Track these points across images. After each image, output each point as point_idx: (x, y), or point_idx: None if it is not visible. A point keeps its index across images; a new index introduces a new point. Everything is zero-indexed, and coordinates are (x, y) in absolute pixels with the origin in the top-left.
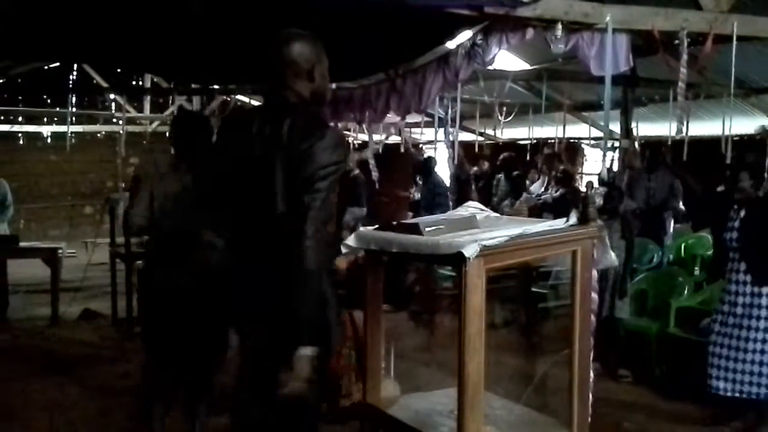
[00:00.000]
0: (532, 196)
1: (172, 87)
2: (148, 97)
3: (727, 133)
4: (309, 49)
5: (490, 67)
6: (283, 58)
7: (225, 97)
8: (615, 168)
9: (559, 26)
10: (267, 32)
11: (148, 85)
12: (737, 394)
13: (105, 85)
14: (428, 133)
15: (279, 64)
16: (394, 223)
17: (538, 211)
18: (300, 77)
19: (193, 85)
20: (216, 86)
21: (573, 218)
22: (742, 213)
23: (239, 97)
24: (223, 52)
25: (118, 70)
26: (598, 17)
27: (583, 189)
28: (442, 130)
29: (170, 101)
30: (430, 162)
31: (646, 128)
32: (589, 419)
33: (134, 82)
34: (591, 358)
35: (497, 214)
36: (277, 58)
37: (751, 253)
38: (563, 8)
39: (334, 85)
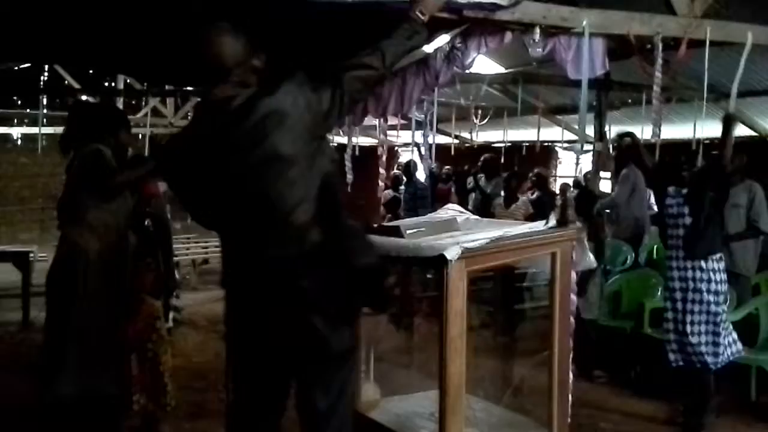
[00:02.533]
0: (525, 199)
1: (145, 88)
2: (121, 99)
3: (698, 136)
4: (245, 40)
5: (467, 71)
6: (226, 51)
7: (199, 99)
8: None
9: (537, 30)
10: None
11: (121, 86)
12: (688, 364)
13: (77, 86)
14: (404, 136)
15: (223, 58)
16: (375, 225)
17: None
18: (244, 68)
19: (167, 86)
20: (190, 87)
21: (552, 221)
22: (683, 191)
23: (196, 99)
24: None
25: (90, 71)
26: (576, 21)
27: (557, 192)
28: (419, 132)
29: (143, 103)
30: (410, 165)
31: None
32: (569, 420)
33: (107, 84)
34: (570, 360)
35: (477, 217)
36: (220, 52)
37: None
38: (541, 12)
39: None
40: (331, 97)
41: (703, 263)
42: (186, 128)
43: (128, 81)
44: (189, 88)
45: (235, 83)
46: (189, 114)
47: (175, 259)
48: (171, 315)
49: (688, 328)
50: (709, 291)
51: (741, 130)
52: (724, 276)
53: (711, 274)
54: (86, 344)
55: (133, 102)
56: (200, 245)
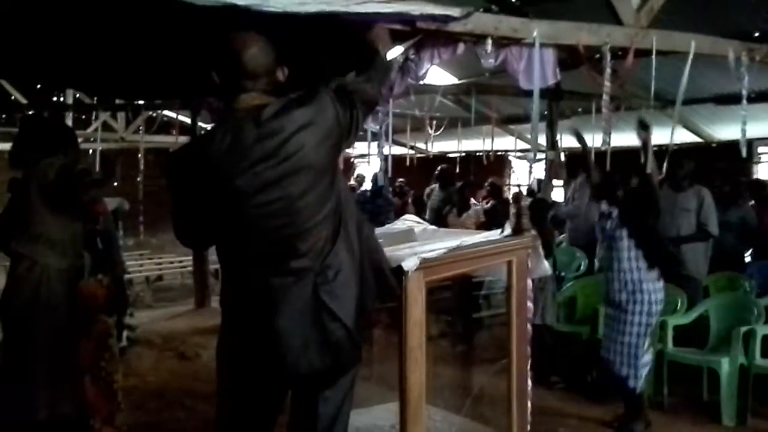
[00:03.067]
0: (479, 208)
1: (95, 103)
2: (71, 114)
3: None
4: (270, 49)
5: (421, 82)
6: (251, 61)
7: (151, 113)
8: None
9: (489, 41)
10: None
11: (70, 101)
12: (615, 370)
13: (24, 101)
14: (360, 147)
15: (247, 67)
16: None
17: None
18: (267, 78)
19: (117, 101)
20: (141, 101)
21: (508, 229)
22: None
23: (166, 112)
24: (149, 67)
25: (38, 86)
26: (526, 32)
27: (511, 200)
28: (374, 143)
29: (93, 117)
30: (375, 177)
31: (570, 140)
32: (528, 427)
33: (55, 99)
34: (528, 367)
35: (434, 227)
36: (244, 62)
37: (644, 244)
38: (493, 23)
39: None
40: (351, 114)
41: (640, 279)
42: (208, 136)
43: (77, 96)
44: (140, 102)
45: (260, 91)
46: (140, 128)
47: (129, 276)
48: (125, 334)
49: (612, 349)
50: (642, 313)
51: (687, 137)
52: (660, 296)
53: (648, 298)
54: (53, 366)
55: (83, 117)
56: (154, 262)
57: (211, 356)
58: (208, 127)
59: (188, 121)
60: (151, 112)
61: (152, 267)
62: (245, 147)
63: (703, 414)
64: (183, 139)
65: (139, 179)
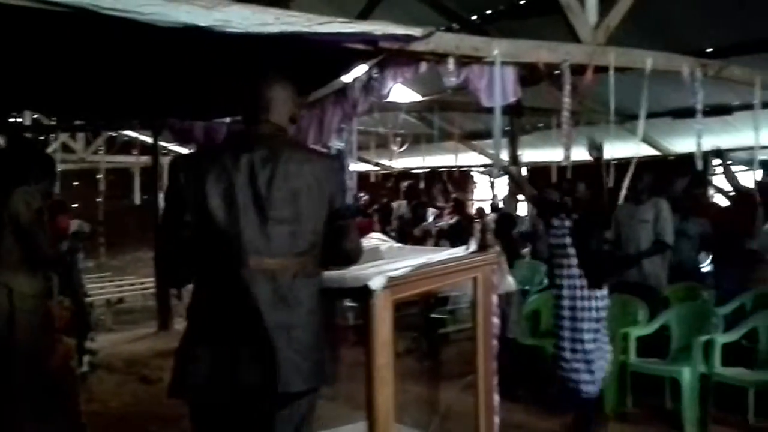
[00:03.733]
0: (428, 223)
1: (54, 123)
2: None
3: (606, 157)
4: (295, 95)
5: (385, 100)
6: (273, 96)
7: (112, 133)
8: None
9: (451, 60)
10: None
11: (28, 122)
12: (572, 385)
13: None
14: None
15: (269, 102)
16: None
17: (434, 237)
18: (285, 116)
19: (76, 122)
20: (102, 122)
21: (473, 245)
22: (567, 222)
23: (127, 132)
24: (108, 87)
25: None
26: (487, 51)
27: (474, 215)
28: None
29: (52, 139)
30: None
31: (532, 154)
32: None
33: (13, 120)
34: (496, 382)
35: (400, 244)
36: (268, 97)
37: (583, 259)
38: (454, 42)
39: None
40: (336, 212)
41: (587, 295)
42: (219, 147)
43: (35, 117)
44: (100, 123)
45: (276, 126)
46: (100, 148)
47: (89, 299)
48: (86, 358)
49: (579, 356)
50: (591, 320)
51: (645, 150)
52: (605, 302)
53: (595, 305)
54: (35, 393)
55: (41, 138)
56: (115, 284)
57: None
58: (171, 147)
59: (150, 140)
60: (111, 133)
61: (113, 289)
62: (247, 167)
63: (665, 423)
64: (144, 159)
65: (99, 200)
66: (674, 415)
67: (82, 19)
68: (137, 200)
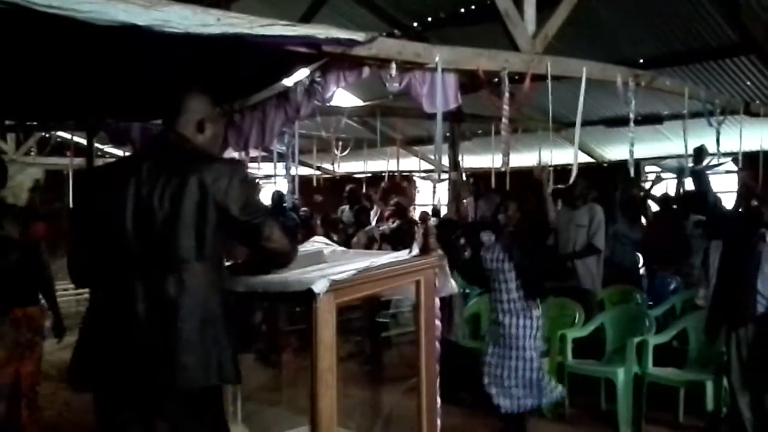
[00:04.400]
0: (371, 227)
1: None
2: None
3: (545, 162)
4: (203, 103)
5: (327, 104)
6: (179, 104)
7: (44, 134)
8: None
9: (393, 65)
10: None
11: None
12: (517, 410)
13: None
14: (266, 168)
15: (175, 109)
16: (239, 261)
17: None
18: (192, 126)
19: (7, 122)
20: (34, 122)
21: (415, 249)
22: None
23: (60, 133)
24: (41, 85)
25: None
26: (429, 57)
27: (417, 220)
28: (280, 164)
29: None
30: (279, 196)
31: (471, 160)
32: None
33: None
34: (438, 385)
35: (343, 248)
36: (174, 103)
37: (523, 271)
38: (396, 48)
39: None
40: (235, 217)
41: (528, 315)
42: (126, 159)
43: None
44: (32, 123)
45: (179, 134)
46: (32, 149)
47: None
48: None
49: (520, 373)
50: (533, 338)
51: (581, 157)
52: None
53: (533, 321)
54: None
55: None
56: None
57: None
58: (106, 148)
59: (84, 142)
60: (43, 133)
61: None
62: (142, 173)
63: (601, 423)
64: (78, 161)
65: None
66: (609, 415)
67: (15, 15)
68: (71, 203)
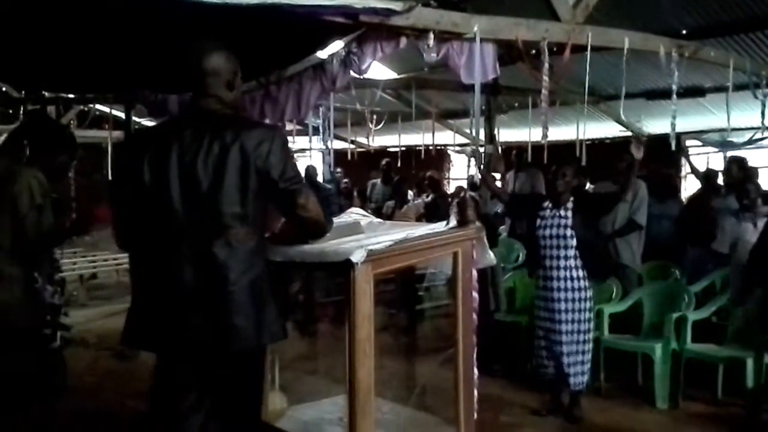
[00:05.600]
0: (419, 202)
1: (23, 96)
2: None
3: (581, 137)
4: (230, 60)
5: (362, 76)
6: (207, 68)
7: (83, 107)
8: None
9: (431, 35)
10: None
11: None
12: (575, 388)
13: None
14: (300, 142)
15: (203, 74)
16: (276, 232)
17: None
18: (222, 86)
19: (46, 94)
20: (72, 95)
21: (453, 221)
22: (563, 211)
23: (99, 106)
24: (80, 58)
25: None
26: (467, 27)
27: (452, 193)
28: (315, 138)
29: (21, 111)
30: (309, 170)
31: (507, 134)
32: (476, 416)
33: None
34: (475, 357)
35: (380, 220)
36: (201, 68)
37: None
38: (435, 18)
39: None
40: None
41: (584, 286)
42: (162, 125)
43: (4, 89)
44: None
45: (216, 98)
46: (72, 122)
47: (62, 274)
48: (59, 334)
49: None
50: (587, 310)
51: (617, 131)
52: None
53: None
54: None
55: (10, 111)
56: (87, 260)
57: (150, 355)
58: (143, 122)
59: (122, 115)
60: (83, 106)
61: (86, 265)
62: (191, 142)
63: (637, 398)
64: (117, 134)
65: (70, 175)
66: (646, 390)
67: None
68: (110, 176)
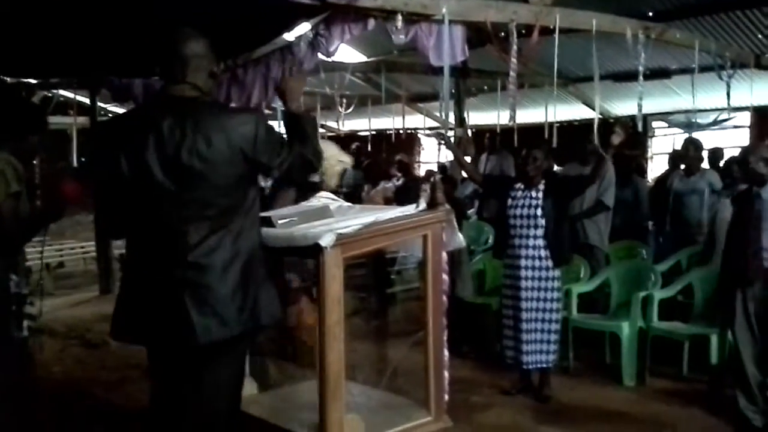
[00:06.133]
0: (389, 186)
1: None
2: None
3: (550, 119)
4: (208, 47)
5: (329, 59)
6: (187, 54)
7: (46, 93)
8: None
9: (399, 17)
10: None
11: None
12: (532, 366)
13: None
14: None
15: (181, 60)
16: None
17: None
18: (200, 73)
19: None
20: (35, 80)
21: (422, 204)
22: (534, 192)
23: (63, 92)
24: (42, 41)
25: None
26: (436, 9)
27: (423, 177)
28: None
29: None
30: None
31: (477, 117)
32: (446, 397)
33: None
34: (445, 338)
35: (349, 203)
36: (180, 54)
37: (549, 234)
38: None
39: None
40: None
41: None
42: (136, 112)
43: None
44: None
45: (193, 86)
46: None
47: (27, 263)
48: (25, 323)
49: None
50: (555, 290)
51: (586, 113)
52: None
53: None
54: None
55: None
56: (54, 248)
57: (118, 344)
58: (109, 107)
59: (87, 101)
60: (46, 92)
61: (52, 253)
62: (168, 130)
63: (605, 376)
64: (82, 120)
65: (35, 162)
66: (614, 368)
67: None
68: (75, 163)
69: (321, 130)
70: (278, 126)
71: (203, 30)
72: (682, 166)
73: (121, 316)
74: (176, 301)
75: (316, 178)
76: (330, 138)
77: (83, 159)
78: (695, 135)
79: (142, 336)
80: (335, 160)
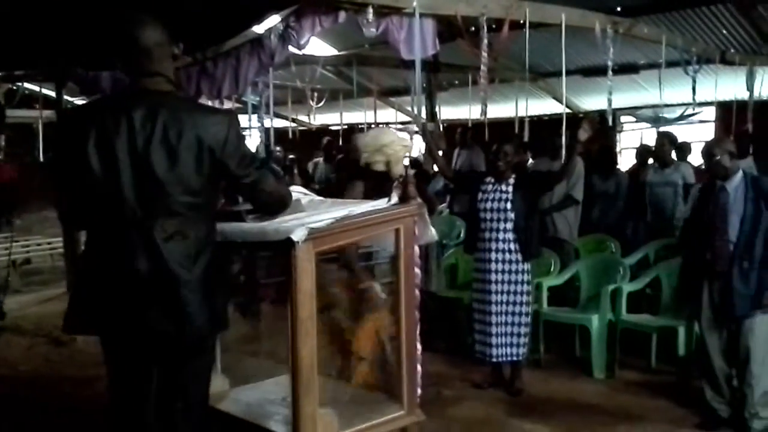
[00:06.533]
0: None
1: None
2: None
3: (521, 114)
4: (165, 32)
5: (300, 52)
6: (148, 43)
7: (10, 86)
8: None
9: (370, 10)
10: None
11: None
12: (502, 359)
13: None
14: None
15: (144, 50)
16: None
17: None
18: (165, 61)
19: None
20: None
21: (394, 198)
22: (505, 186)
23: (28, 85)
24: (7, 34)
25: None
26: (407, 1)
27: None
28: (255, 116)
29: None
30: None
31: (448, 111)
32: (419, 391)
33: None
34: (418, 332)
35: (321, 198)
36: (142, 44)
37: (519, 227)
38: None
39: None
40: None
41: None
42: (103, 103)
43: None
44: None
45: (167, 79)
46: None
47: None
48: None
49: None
50: (525, 283)
51: (556, 107)
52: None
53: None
54: None
55: None
56: (20, 244)
57: (87, 340)
58: (76, 101)
59: (53, 94)
60: (10, 85)
61: (19, 250)
62: (135, 122)
63: (576, 368)
64: (48, 113)
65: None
66: (584, 361)
67: None
68: (41, 157)
69: (292, 124)
70: (249, 119)
71: (171, 20)
72: (651, 161)
73: (80, 309)
74: (141, 296)
75: (380, 167)
76: (302, 132)
77: (50, 154)
78: (663, 129)
79: (102, 329)
80: (399, 145)
